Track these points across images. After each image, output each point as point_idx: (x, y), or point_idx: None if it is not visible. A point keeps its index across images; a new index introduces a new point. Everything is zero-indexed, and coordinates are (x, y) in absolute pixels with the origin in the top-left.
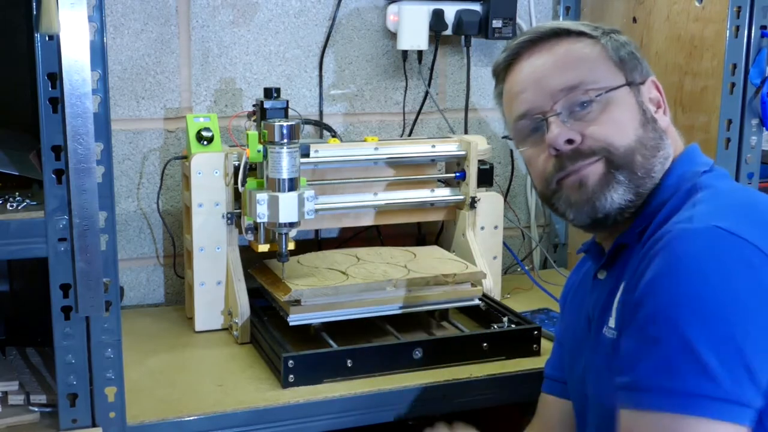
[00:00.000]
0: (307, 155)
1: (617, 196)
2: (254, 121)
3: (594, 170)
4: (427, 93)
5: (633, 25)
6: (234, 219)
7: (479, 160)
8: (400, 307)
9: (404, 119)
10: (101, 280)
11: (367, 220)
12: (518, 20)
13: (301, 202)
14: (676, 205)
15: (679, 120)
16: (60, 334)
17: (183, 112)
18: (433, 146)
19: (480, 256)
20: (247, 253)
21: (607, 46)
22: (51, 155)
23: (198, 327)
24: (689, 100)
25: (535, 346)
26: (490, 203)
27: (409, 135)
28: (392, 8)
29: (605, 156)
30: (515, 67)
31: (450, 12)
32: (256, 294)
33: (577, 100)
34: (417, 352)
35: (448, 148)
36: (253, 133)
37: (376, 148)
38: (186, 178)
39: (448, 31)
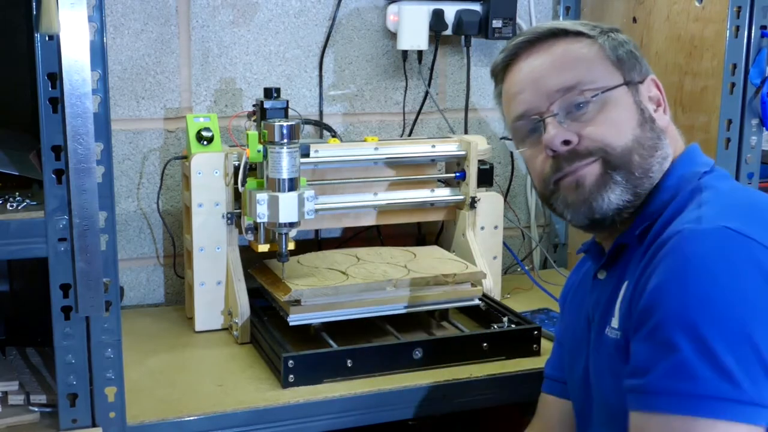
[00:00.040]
0: (307, 155)
1: (614, 197)
2: (254, 121)
3: (591, 171)
4: (427, 93)
5: (633, 25)
6: (234, 219)
7: (479, 160)
8: (400, 307)
9: (404, 119)
10: (101, 280)
11: (367, 220)
12: (518, 20)
13: (301, 202)
14: (679, 206)
15: (679, 120)
16: (60, 334)
17: (183, 112)
18: (433, 146)
19: (480, 256)
20: (247, 253)
21: (605, 45)
22: (51, 155)
23: (198, 327)
24: (689, 100)
25: (535, 346)
26: (490, 203)
27: (409, 135)
28: (392, 8)
29: (602, 156)
30: (513, 68)
31: (450, 12)
32: (256, 294)
33: (573, 100)
34: (417, 352)
35: (448, 148)
36: (253, 133)
37: (376, 148)
38: (186, 178)
39: (448, 31)
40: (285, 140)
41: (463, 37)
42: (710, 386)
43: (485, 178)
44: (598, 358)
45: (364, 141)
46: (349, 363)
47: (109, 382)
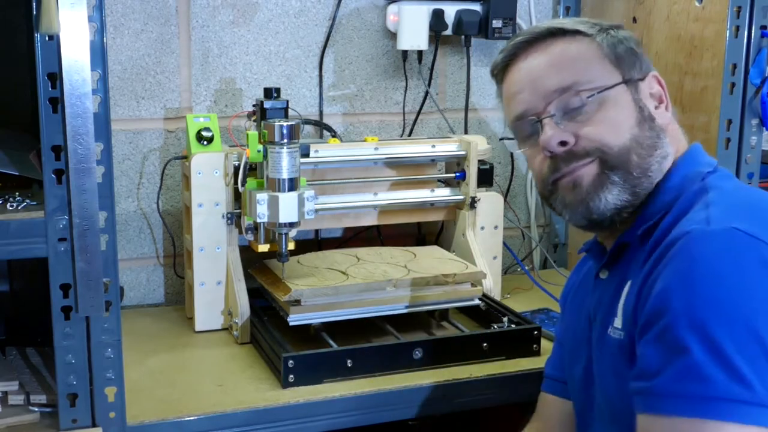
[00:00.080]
0: (307, 155)
1: (612, 197)
2: (254, 121)
3: (588, 171)
4: (427, 93)
5: (633, 25)
6: (234, 219)
7: (479, 160)
8: (400, 307)
9: (404, 119)
10: (101, 280)
11: (367, 220)
12: (518, 20)
13: (301, 202)
14: (685, 206)
15: (679, 120)
16: (60, 334)
17: (183, 112)
18: (433, 146)
19: (480, 256)
20: (247, 253)
21: (603, 44)
22: (51, 155)
23: (198, 327)
24: (689, 100)
25: (535, 346)
26: (490, 203)
27: (409, 135)
28: (392, 8)
29: (599, 156)
30: (512, 68)
31: (450, 12)
32: (256, 294)
33: (570, 101)
34: (417, 352)
35: (448, 148)
36: (253, 133)
37: (376, 148)
38: (186, 178)
39: (448, 31)
40: (285, 140)
41: (463, 37)
42: (721, 388)
43: (485, 178)
44: (601, 358)
45: (364, 141)
46: (349, 363)
47: (109, 382)
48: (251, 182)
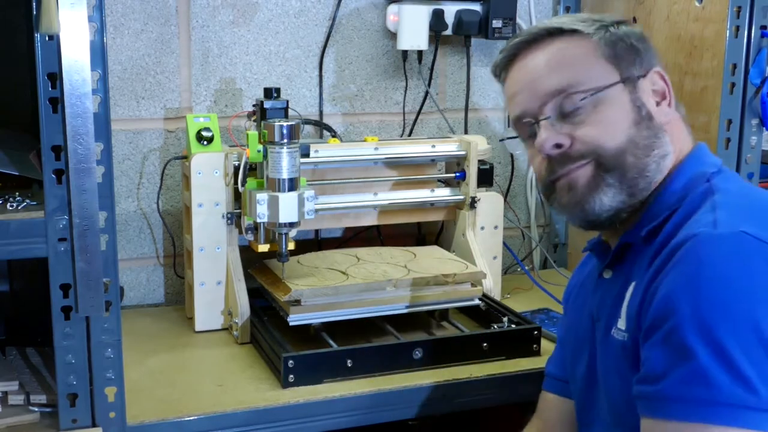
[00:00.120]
0: (307, 155)
1: (607, 199)
2: (254, 121)
3: (583, 173)
4: (427, 93)
5: (633, 25)
6: (234, 219)
7: (479, 160)
8: (400, 307)
9: (404, 119)
10: (101, 280)
11: (367, 220)
12: (518, 20)
13: (301, 202)
14: (691, 208)
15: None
16: (60, 334)
17: (183, 112)
18: (433, 146)
19: (480, 256)
20: (247, 253)
21: (601, 42)
22: (51, 155)
23: (198, 327)
24: (689, 100)
25: (535, 346)
26: (490, 203)
27: (409, 135)
28: (392, 8)
29: (595, 158)
30: (512, 67)
31: (450, 12)
32: (256, 294)
33: (565, 102)
34: (417, 352)
35: (448, 148)
36: (253, 133)
37: (376, 148)
38: (186, 178)
39: (448, 31)
40: (285, 140)
41: (463, 37)
42: (726, 393)
43: (485, 178)
44: (605, 359)
45: (364, 141)
46: (349, 363)
47: (109, 382)
48: (251, 182)
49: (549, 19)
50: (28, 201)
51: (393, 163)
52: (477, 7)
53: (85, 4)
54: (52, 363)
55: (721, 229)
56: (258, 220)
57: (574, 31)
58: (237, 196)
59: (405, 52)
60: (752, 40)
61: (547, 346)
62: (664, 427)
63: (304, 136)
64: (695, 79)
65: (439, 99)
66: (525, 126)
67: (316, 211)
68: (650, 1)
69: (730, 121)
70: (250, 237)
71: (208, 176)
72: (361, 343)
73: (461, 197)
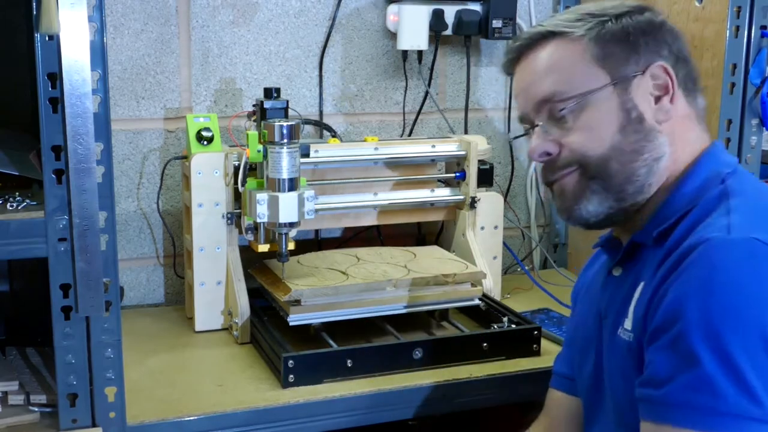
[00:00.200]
0: (307, 155)
1: (592, 206)
2: (254, 121)
3: (570, 180)
4: (427, 93)
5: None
6: (234, 219)
7: (479, 160)
8: (400, 307)
9: (404, 119)
10: (101, 280)
11: (367, 220)
12: (518, 20)
13: (301, 202)
14: (704, 210)
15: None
16: (60, 334)
17: (183, 112)
18: (433, 146)
19: (480, 256)
20: (247, 253)
21: (590, 44)
22: (51, 155)
23: (198, 327)
24: None
25: (535, 346)
26: (490, 203)
27: (409, 135)
28: (392, 8)
29: (580, 166)
30: (516, 69)
31: (450, 12)
32: (256, 294)
33: (553, 110)
34: (417, 352)
35: (448, 148)
36: (253, 133)
37: (376, 148)
38: (186, 178)
39: (448, 31)
40: (285, 140)
41: (463, 37)
42: (731, 403)
43: (485, 178)
44: (611, 358)
45: (364, 141)
46: (349, 363)
47: (109, 382)
48: (251, 182)
49: (548, 18)
50: (28, 201)
51: (393, 163)
52: (477, 7)
53: (85, 4)
54: (52, 363)
55: (734, 234)
56: (258, 220)
57: (564, 34)
58: (237, 196)
59: (405, 52)
60: (752, 40)
61: (547, 346)
62: None
63: (304, 136)
64: None
65: (439, 99)
66: (526, 128)
67: (316, 211)
68: (650, 1)
69: (730, 121)
70: (250, 237)
71: (208, 176)
72: (361, 343)
73: (461, 197)
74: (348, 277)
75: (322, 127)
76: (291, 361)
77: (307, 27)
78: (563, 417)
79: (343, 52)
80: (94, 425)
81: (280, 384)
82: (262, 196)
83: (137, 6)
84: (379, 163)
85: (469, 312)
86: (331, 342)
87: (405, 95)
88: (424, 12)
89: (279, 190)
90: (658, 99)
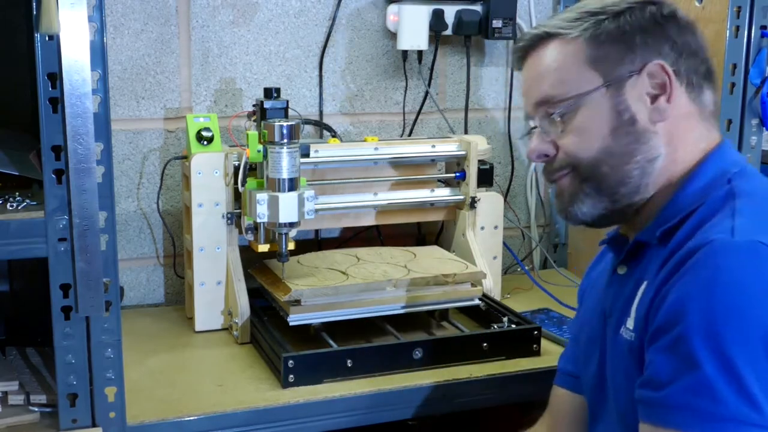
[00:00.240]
0: (307, 155)
1: (586, 208)
2: (254, 121)
3: (565, 182)
4: (427, 93)
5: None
6: (234, 219)
7: (479, 160)
8: (400, 307)
9: (404, 119)
10: (101, 280)
11: (367, 220)
12: (518, 20)
13: (301, 202)
14: (709, 211)
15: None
16: (60, 334)
17: (183, 112)
18: (433, 146)
19: (480, 256)
20: (247, 253)
21: (584, 45)
22: (51, 155)
23: (198, 327)
24: None
25: (535, 346)
26: (490, 203)
27: (409, 135)
28: (392, 8)
29: (573, 168)
30: (523, 69)
31: (450, 12)
32: (256, 294)
33: (546, 114)
34: (417, 352)
35: (448, 148)
36: (253, 133)
37: (376, 148)
38: (186, 178)
39: (448, 31)
40: (285, 140)
41: (463, 37)
42: (731, 408)
43: (485, 178)
44: (614, 357)
45: (364, 141)
46: (349, 363)
47: (109, 382)
48: (251, 182)
49: (550, 17)
50: (28, 201)
51: (393, 163)
52: (477, 7)
53: (85, 4)
54: (52, 363)
55: (737, 237)
56: (258, 220)
57: (560, 35)
58: (237, 196)
59: (405, 52)
60: (752, 40)
61: (547, 346)
62: None
63: (304, 136)
64: None
65: (439, 99)
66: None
67: (316, 211)
68: None
69: (730, 121)
70: (250, 237)
71: (208, 176)
72: (361, 343)
73: (461, 197)
74: (348, 277)
75: (322, 127)
76: (291, 361)
77: (307, 27)
78: (567, 415)
79: (343, 52)
80: (94, 425)
81: (280, 384)
82: (262, 196)
83: (137, 6)
84: (379, 163)
85: (469, 312)
86: (331, 342)
87: (405, 95)
88: (424, 12)
89: (279, 190)
90: (654, 98)
